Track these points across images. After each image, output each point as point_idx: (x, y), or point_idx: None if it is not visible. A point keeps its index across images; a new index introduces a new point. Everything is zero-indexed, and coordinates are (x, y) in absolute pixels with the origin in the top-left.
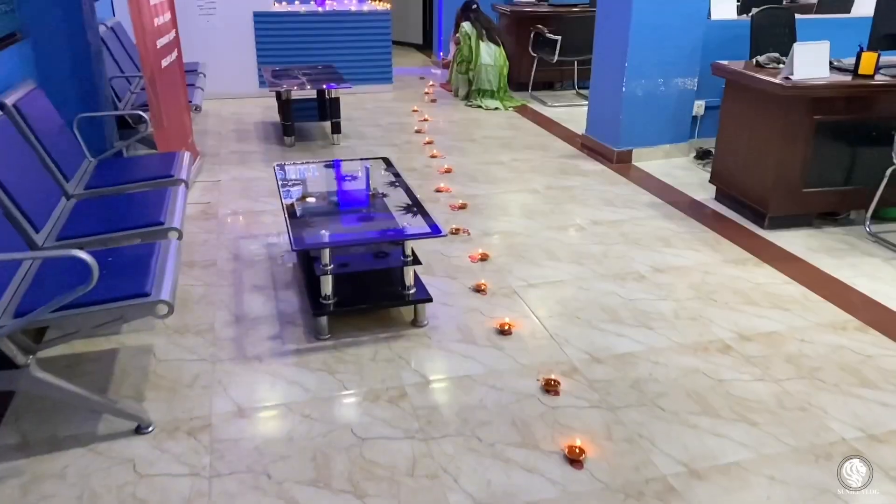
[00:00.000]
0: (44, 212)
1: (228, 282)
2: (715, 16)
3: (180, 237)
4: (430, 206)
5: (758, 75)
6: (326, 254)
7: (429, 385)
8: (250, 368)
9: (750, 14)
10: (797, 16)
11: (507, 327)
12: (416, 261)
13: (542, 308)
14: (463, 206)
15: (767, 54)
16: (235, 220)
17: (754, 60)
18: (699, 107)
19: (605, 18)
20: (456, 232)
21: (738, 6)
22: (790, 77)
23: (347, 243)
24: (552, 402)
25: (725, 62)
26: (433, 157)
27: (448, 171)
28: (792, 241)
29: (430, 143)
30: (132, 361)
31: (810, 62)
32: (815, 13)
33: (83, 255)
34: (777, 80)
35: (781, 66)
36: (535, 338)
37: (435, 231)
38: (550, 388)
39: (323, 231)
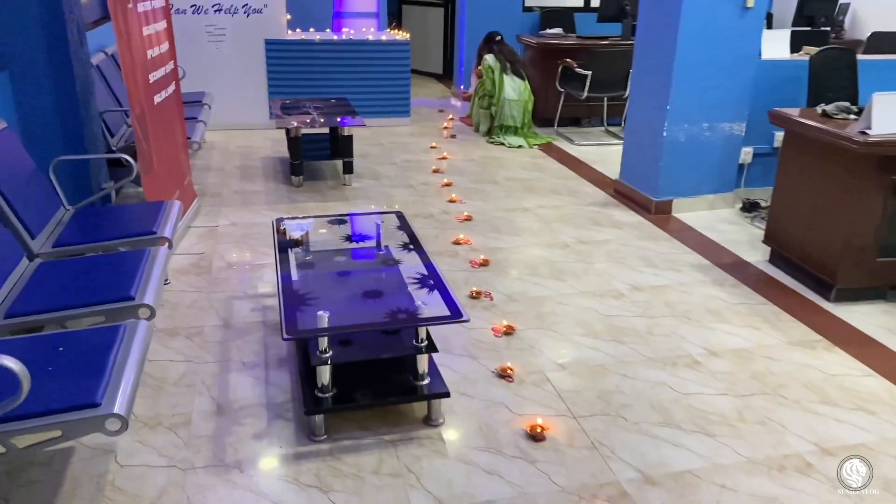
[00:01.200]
0: None
1: (214, 357)
2: (766, 55)
3: (152, 315)
4: (447, 262)
5: (826, 127)
6: (325, 340)
7: None
8: (228, 481)
9: (803, 52)
10: (859, 56)
11: (539, 430)
12: (432, 346)
13: (580, 403)
14: (485, 263)
15: (836, 103)
16: (230, 276)
17: (820, 109)
18: (747, 154)
19: (645, 55)
20: (477, 296)
21: None
22: (867, 131)
23: (351, 329)
24: None
25: (785, 110)
26: (452, 201)
27: (468, 218)
28: (865, 318)
29: (448, 185)
30: (88, 467)
31: (891, 115)
32: (864, 53)
33: (10, 363)
34: (850, 135)
35: (852, 116)
36: (573, 446)
37: (456, 315)
38: None
39: (321, 312)
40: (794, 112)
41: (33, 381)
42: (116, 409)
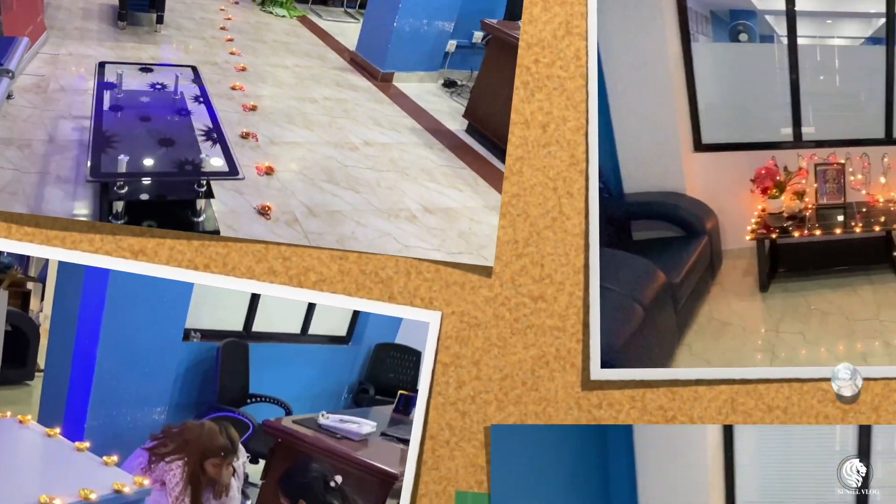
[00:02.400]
0: None
1: (37, 168)
2: None
3: None
4: (225, 104)
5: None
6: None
7: None
8: None
9: None
10: None
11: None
12: (210, 193)
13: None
14: (254, 108)
15: None
16: (61, 97)
17: None
18: (452, 45)
19: None
20: (246, 136)
21: None
22: None
23: (143, 175)
24: None
25: (491, 21)
26: (232, 53)
27: (243, 69)
28: None
29: (230, 40)
30: None
31: None
32: None
33: None
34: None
35: None
36: None
37: (233, 172)
38: None
39: (122, 157)
40: (497, 22)
41: None
42: None
